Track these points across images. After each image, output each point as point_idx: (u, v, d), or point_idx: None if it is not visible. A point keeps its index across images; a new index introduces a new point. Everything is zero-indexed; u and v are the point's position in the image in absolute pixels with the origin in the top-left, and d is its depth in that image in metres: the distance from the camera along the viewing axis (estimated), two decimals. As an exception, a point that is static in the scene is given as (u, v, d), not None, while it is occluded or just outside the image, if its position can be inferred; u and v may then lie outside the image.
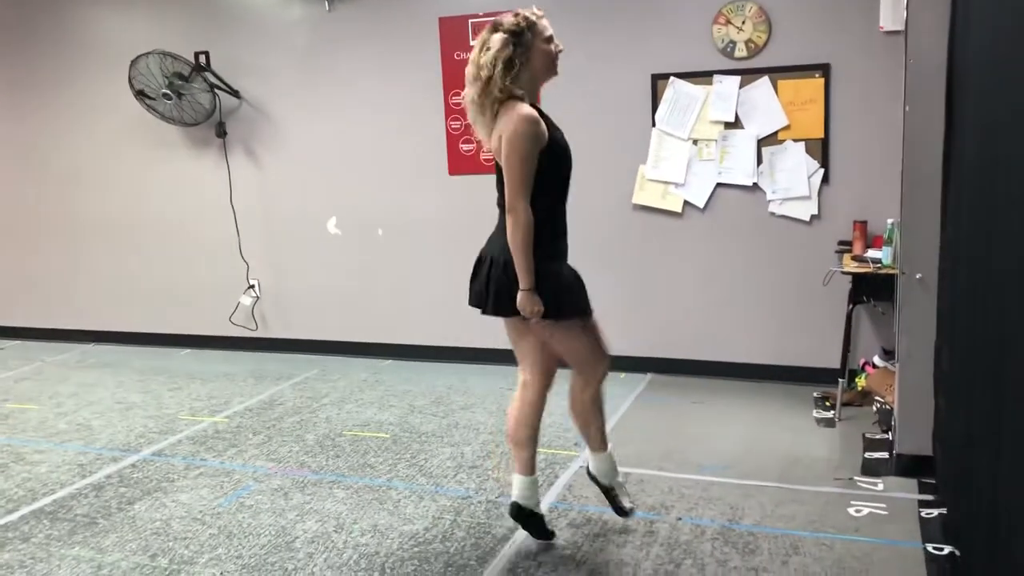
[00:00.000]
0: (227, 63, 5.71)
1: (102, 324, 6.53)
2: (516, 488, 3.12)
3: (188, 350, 6.22)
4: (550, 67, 2.90)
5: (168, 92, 5.58)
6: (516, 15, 2.84)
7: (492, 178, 5.40)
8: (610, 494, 3.24)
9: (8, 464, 4.13)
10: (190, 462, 4.08)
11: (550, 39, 2.88)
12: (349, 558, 3.10)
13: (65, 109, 6.29)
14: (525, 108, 2.79)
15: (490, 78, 2.79)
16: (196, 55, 5.65)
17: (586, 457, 3.33)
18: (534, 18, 2.84)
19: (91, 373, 5.76)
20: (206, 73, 5.63)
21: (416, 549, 3.15)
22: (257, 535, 3.30)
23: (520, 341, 3.08)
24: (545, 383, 3.10)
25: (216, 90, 5.66)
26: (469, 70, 2.86)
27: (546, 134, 2.82)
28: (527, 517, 3.12)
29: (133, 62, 5.60)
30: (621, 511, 3.24)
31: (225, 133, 5.80)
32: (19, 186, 6.59)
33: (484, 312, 3.01)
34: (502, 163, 2.84)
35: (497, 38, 2.79)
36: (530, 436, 3.10)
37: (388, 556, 3.10)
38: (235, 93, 5.72)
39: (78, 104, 6.24)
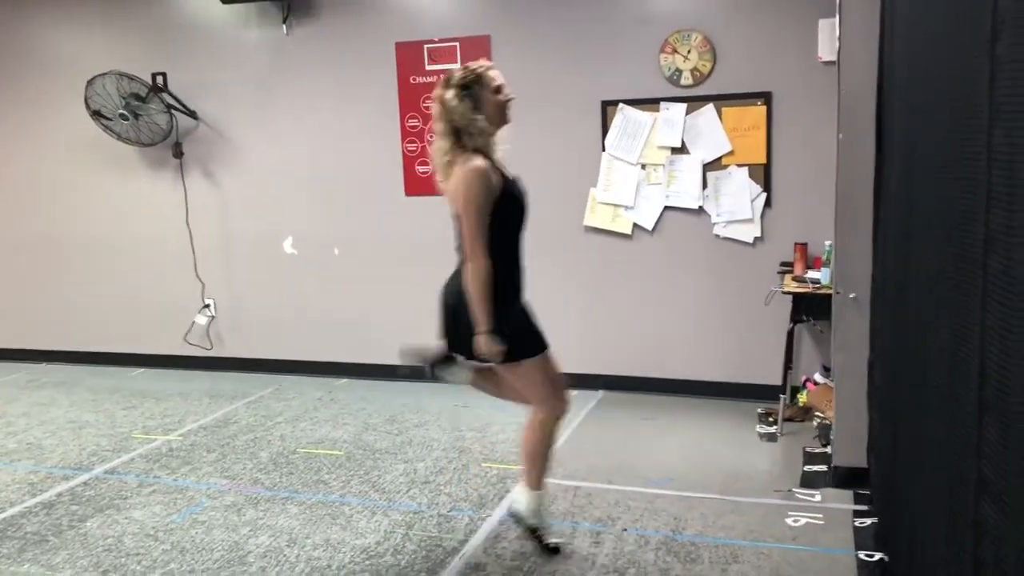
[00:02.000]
0: (185, 84, 5.76)
1: (55, 343, 6.49)
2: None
3: (142, 369, 6.20)
4: (500, 116, 3.01)
5: (125, 112, 5.61)
6: (464, 68, 2.97)
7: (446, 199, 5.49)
8: (536, 533, 3.24)
9: (-43, 483, 4.11)
10: (143, 480, 4.09)
11: (499, 89, 2.98)
12: (301, 571, 3.15)
13: (21, 128, 6.28)
14: (474, 161, 2.91)
15: (457, 131, 2.94)
16: (153, 76, 5.69)
17: (515, 495, 3.33)
18: (482, 70, 2.97)
19: (43, 392, 5.72)
20: (163, 94, 5.67)
21: (368, 562, 3.21)
22: (210, 550, 3.34)
23: (498, 386, 3.25)
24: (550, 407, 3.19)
25: (173, 111, 5.70)
26: (437, 126, 2.99)
27: (498, 185, 2.94)
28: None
29: (89, 82, 5.63)
30: (549, 549, 3.22)
31: (182, 154, 5.84)
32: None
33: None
34: (458, 214, 2.96)
35: (451, 94, 2.93)
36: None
37: (340, 569, 3.16)
38: (192, 114, 5.77)
39: (34, 123, 6.23)
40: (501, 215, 2.96)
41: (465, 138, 2.94)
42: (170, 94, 5.71)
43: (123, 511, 3.73)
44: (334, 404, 5.25)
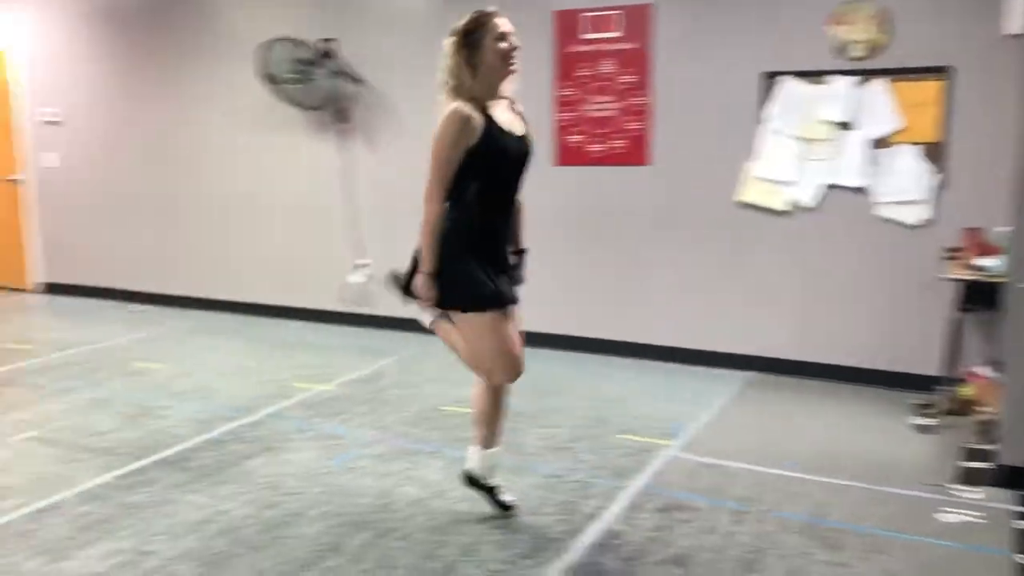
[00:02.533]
0: (352, 50, 5.98)
1: (224, 294, 6.92)
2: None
3: (301, 322, 6.54)
4: (502, 64, 2.91)
5: (294, 77, 5.88)
6: (471, 14, 2.93)
7: (599, 169, 5.53)
8: (491, 491, 3.32)
9: (138, 417, 4.48)
10: (301, 425, 4.35)
11: (502, 36, 2.90)
12: (445, 522, 3.28)
13: (200, 91, 6.70)
14: (453, 106, 2.87)
15: (453, 83, 2.91)
16: (322, 41, 5.93)
17: (468, 454, 3.33)
18: (486, 17, 2.91)
19: (212, 339, 6.13)
20: (331, 60, 5.91)
21: (507, 519, 3.30)
22: (361, 495, 3.52)
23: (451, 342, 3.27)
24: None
25: (339, 76, 5.93)
26: (438, 76, 2.97)
27: (475, 132, 2.87)
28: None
29: (263, 47, 5.93)
30: (504, 506, 3.32)
31: (346, 118, 6.07)
32: (155, 163, 7.05)
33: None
34: None
35: (448, 43, 2.93)
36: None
37: (480, 523, 3.27)
38: (357, 79, 5.98)
39: (211, 86, 6.63)
40: (477, 166, 2.91)
41: (457, 88, 2.91)
42: (337, 59, 5.94)
43: (283, 453, 3.98)
44: (478, 366, 5.37)
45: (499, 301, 3.05)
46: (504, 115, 3.01)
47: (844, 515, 3.32)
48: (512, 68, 2.95)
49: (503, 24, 2.93)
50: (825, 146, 4.77)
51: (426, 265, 2.99)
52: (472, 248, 3.01)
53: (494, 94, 2.97)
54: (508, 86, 3.00)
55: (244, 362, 5.52)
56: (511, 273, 3.17)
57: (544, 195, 5.61)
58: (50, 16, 7.22)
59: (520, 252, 3.29)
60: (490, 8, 2.96)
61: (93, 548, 3.07)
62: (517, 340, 3.15)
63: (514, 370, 3.17)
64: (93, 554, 3.04)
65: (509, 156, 3.01)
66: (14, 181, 7.62)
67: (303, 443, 4.10)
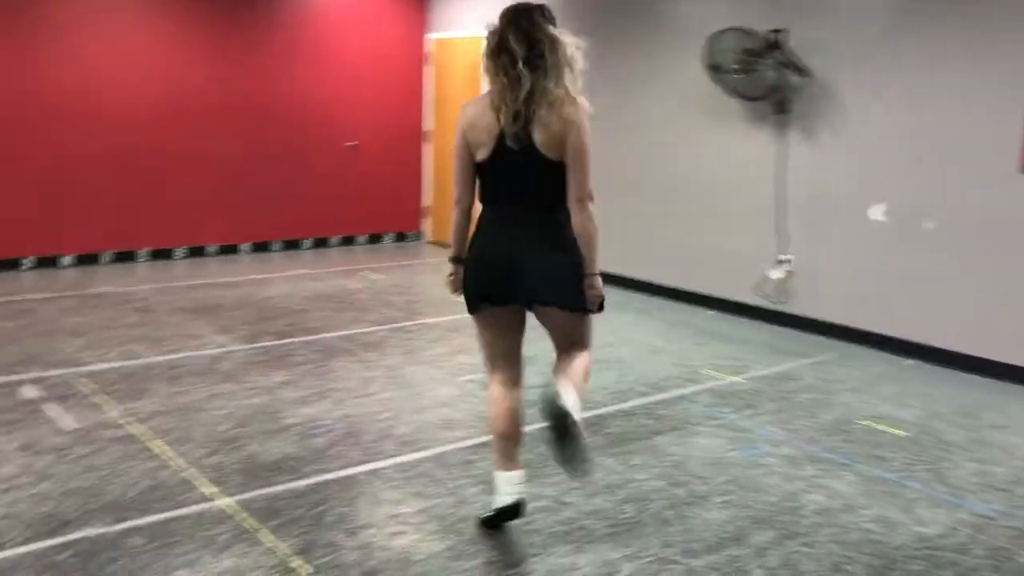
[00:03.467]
0: (800, 41, 5.83)
1: (640, 273, 7.18)
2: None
3: (713, 312, 6.58)
4: None
5: (739, 67, 5.90)
6: None
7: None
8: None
9: (560, 377, 4.86)
10: (709, 412, 4.40)
11: None
12: (855, 539, 3.13)
13: (644, 77, 7.00)
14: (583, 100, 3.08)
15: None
16: (771, 32, 5.86)
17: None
18: None
19: (632, 316, 6.41)
20: (778, 50, 5.82)
21: (926, 551, 3.06)
22: (766, 492, 3.49)
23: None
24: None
25: (785, 67, 5.82)
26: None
27: None
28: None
29: (711, 37, 6.02)
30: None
31: (786, 110, 5.95)
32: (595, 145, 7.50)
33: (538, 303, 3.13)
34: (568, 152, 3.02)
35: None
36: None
37: (896, 549, 3.07)
38: (804, 72, 5.82)
39: (656, 73, 6.90)
40: None
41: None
42: (786, 51, 5.83)
43: (690, 435, 4.07)
44: (898, 382, 5.01)
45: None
46: None
47: None
48: None
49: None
50: None
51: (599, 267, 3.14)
52: None
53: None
54: None
55: (658, 342, 5.71)
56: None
57: (1001, 203, 5.03)
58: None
59: None
60: None
61: (520, 488, 3.41)
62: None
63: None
64: (520, 494, 3.38)
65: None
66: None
67: (710, 429, 4.16)
